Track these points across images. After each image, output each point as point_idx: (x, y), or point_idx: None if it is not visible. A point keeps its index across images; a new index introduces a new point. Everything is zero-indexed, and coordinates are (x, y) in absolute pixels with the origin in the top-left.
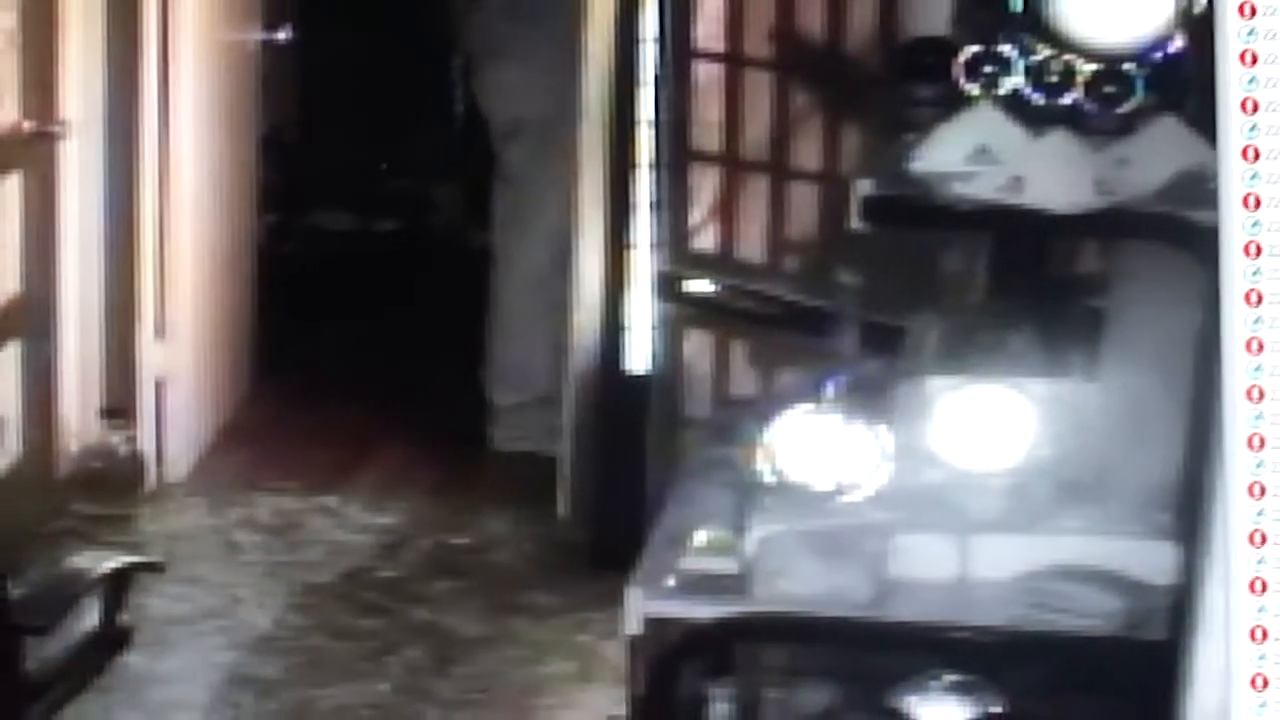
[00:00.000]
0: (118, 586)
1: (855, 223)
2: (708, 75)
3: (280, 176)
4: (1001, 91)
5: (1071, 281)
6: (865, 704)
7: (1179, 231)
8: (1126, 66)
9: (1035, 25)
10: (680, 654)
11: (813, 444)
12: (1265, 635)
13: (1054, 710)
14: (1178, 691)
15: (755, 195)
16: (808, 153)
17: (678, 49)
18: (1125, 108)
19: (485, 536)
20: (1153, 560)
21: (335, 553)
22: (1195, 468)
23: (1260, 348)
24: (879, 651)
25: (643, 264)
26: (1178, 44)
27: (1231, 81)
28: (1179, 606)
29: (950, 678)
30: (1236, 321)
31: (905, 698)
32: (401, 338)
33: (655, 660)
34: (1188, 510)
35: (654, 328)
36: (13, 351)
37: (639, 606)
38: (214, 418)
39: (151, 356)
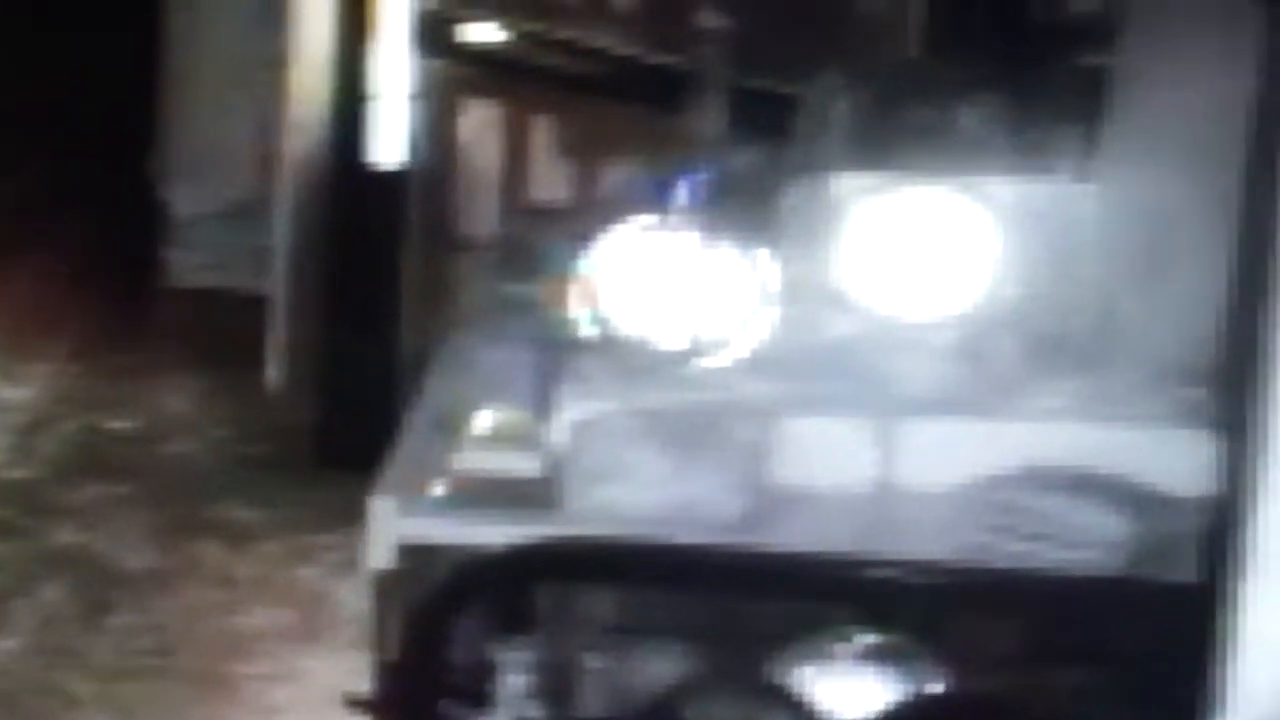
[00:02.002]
0: None
1: None
2: None
3: None
4: None
5: (1057, 26)
6: (734, 676)
7: None
8: None
9: None
10: (453, 600)
11: (655, 278)
12: None
13: (1025, 689)
14: (1211, 659)
15: None
16: None
17: None
18: None
19: (158, 418)
20: (1176, 459)
21: None
22: (1243, 316)
23: None
24: (756, 598)
25: None
26: None
27: None
28: (1216, 531)
29: (865, 639)
30: None
31: (796, 668)
32: (33, 112)
33: (415, 609)
34: (1231, 382)
35: (412, 97)
36: None
37: (390, 527)
38: None
39: None
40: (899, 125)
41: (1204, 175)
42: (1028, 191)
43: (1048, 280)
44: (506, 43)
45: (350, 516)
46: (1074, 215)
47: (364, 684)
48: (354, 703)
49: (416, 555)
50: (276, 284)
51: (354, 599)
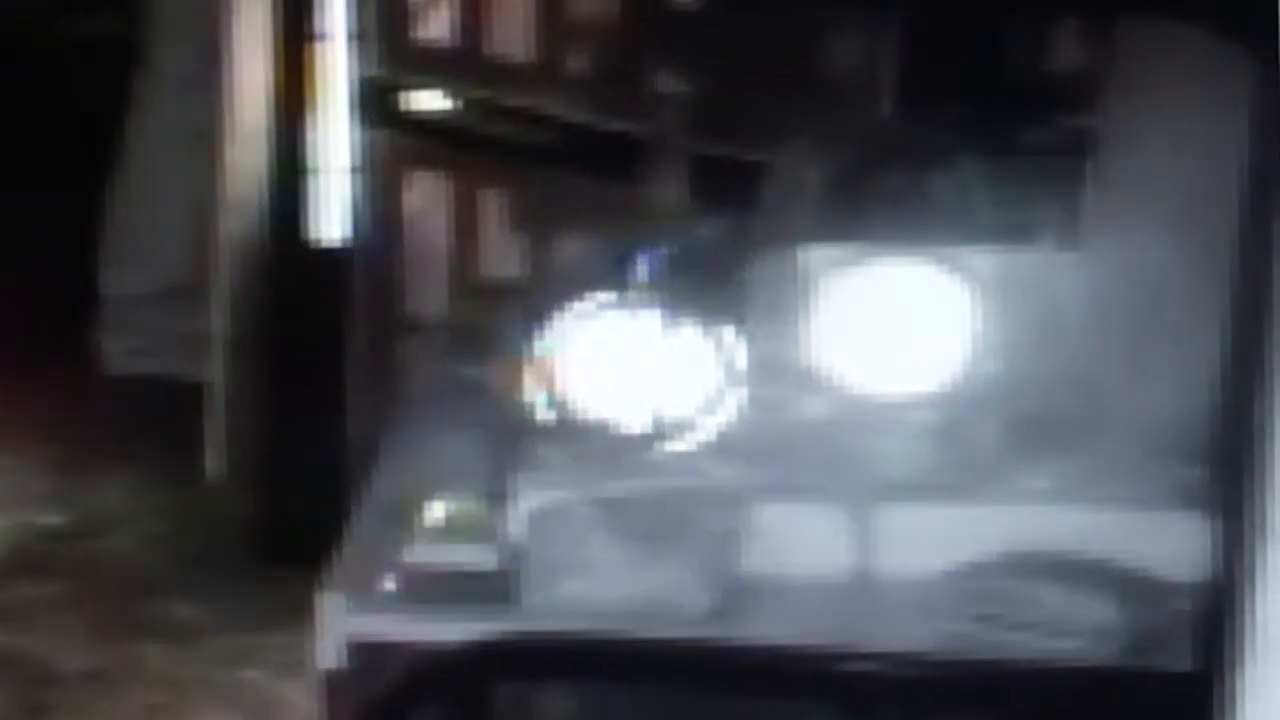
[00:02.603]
0: None
1: None
2: None
3: None
4: None
5: (1037, 85)
6: None
7: None
8: None
9: None
10: (408, 700)
11: (615, 358)
12: None
13: None
14: None
15: None
16: None
17: None
18: None
19: (92, 512)
20: (1170, 543)
21: None
22: (1239, 390)
23: None
24: (726, 695)
25: (336, 64)
26: None
27: None
28: (1213, 618)
29: None
30: None
31: None
32: None
33: (368, 711)
34: (1227, 461)
35: (354, 170)
36: None
37: (339, 624)
38: None
39: None
40: (871, 193)
41: (1196, 241)
42: (1008, 262)
43: (1031, 355)
44: (453, 111)
45: (297, 614)
46: (1058, 286)
47: None
48: None
49: (367, 654)
50: (214, 368)
51: (303, 701)
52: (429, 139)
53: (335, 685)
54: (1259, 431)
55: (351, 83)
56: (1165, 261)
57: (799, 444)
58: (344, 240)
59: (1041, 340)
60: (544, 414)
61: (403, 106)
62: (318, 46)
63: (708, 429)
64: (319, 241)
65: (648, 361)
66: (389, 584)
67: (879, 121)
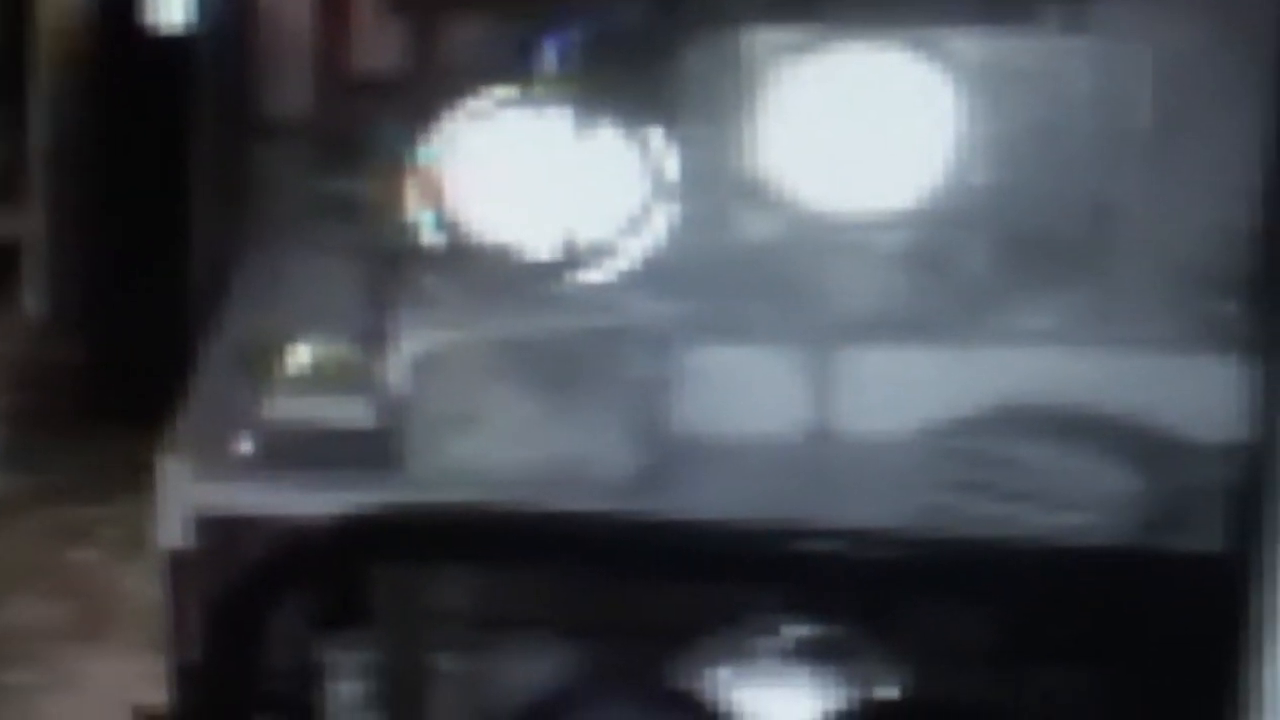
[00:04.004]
0: None
1: None
2: None
3: None
4: None
5: None
6: (628, 680)
7: None
8: None
9: None
10: (267, 587)
11: (518, 168)
12: None
13: (1003, 693)
14: (1243, 651)
15: None
16: None
17: None
18: None
19: None
20: (1197, 394)
21: None
22: None
23: None
24: (655, 580)
25: None
26: None
27: None
28: (1250, 487)
29: (797, 632)
30: None
31: (708, 670)
32: None
33: (220, 600)
34: (1268, 292)
35: None
36: None
37: (185, 495)
38: None
39: None
40: None
41: (1229, 21)
42: (1001, 48)
43: (1028, 164)
44: None
45: (134, 483)
46: (1061, 77)
47: (157, 693)
48: (145, 715)
49: (219, 531)
50: (32, 187)
51: (142, 586)
52: None
53: (181, 568)
54: None
55: None
56: (1192, 46)
57: (742, 273)
58: (186, 26)
59: (1040, 145)
60: (430, 236)
61: None
62: None
63: (631, 254)
64: (155, 28)
65: (557, 172)
66: (244, 446)
67: None
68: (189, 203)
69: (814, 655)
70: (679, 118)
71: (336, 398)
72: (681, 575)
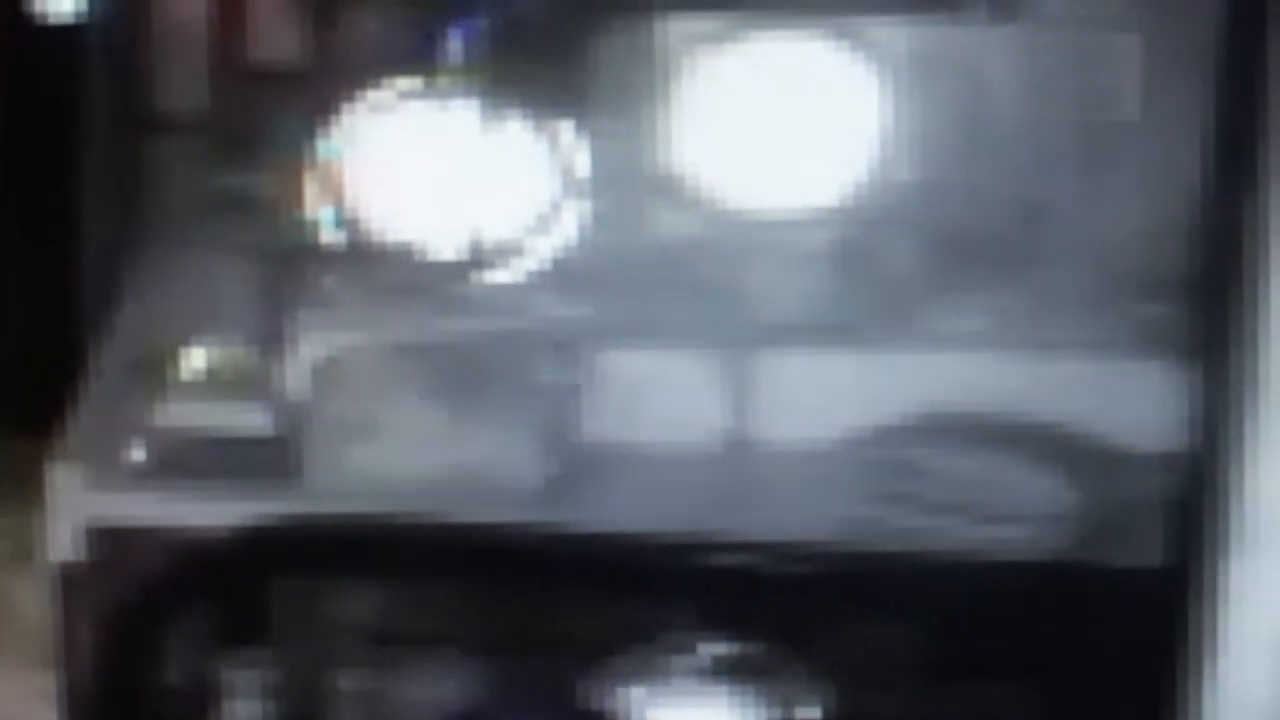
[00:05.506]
0: None
1: None
2: None
3: None
4: None
5: None
6: (536, 699)
7: None
8: None
9: None
10: (162, 601)
11: (421, 164)
12: None
13: (931, 711)
14: (1185, 668)
15: None
16: None
17: None
18: None
19: None
20: (1136, 401)
21: None
22: (1225, 202)
23: None
24: (564, 594)
25: None
26: None
27: None
28: (1191, 497)
29: (713, 649)
30: None
31: (620, 688)
32: None
33: (112, 614)
34: (1208, 294)
35: None
36: None
37: (76, 505)
38: None
39: None
40: None
41: (1169, 8)
42: (927, 38)
43: (955, 160)
44: None
45: (22, 492)
46: (990, 68)
47: (48, 712)
48: None
49: (111, 542)
50: None
51: (32, 600)
52: None
53: (72, 581)
54: (1250, 255)
55: None
56: (1129, 34)
57: (657, 274)
58: (76, 15)
59: (968, 140)
60: (330, 234)
61: None
62: None
63: (540, 254)
64: (44, 16)
65: (462, 167)
66: (137, 454)
67: None
68: (79, 200)
69: (732, 673)
70: (590, 110)
71: (233, 404)
72: (593, 590)
